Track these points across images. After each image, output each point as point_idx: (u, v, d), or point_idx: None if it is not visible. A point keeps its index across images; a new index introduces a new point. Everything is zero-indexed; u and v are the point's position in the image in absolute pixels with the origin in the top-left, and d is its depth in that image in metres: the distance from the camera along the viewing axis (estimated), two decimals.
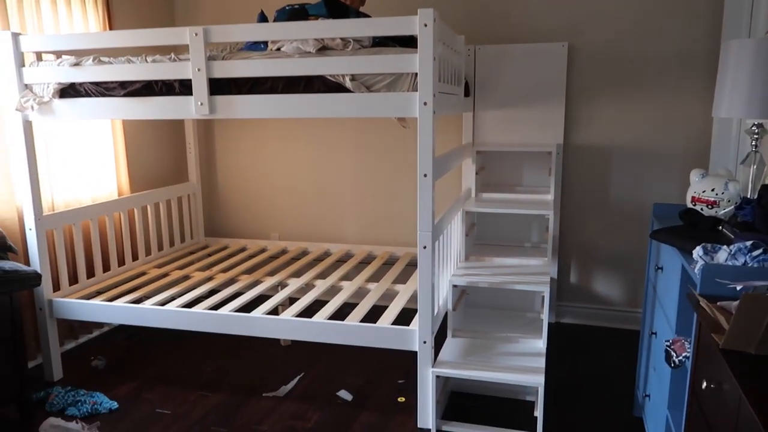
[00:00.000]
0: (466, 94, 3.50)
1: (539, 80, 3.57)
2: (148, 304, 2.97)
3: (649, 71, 3.48)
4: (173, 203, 4.07)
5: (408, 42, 2.64)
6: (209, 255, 4.04)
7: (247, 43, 2.86)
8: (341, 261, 3.96)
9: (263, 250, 4.14)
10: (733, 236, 1.86)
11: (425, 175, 2.42)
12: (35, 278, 2.55)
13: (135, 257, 3.79)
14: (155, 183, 4.13)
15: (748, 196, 2.18)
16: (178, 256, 3.97)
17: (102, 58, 2.74)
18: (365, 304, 2.94)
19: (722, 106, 2.11)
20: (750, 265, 1.60)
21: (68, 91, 2.80)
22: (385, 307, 2.89)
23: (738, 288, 1.44)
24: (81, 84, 2.77)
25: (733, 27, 3.17)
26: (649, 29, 3.44)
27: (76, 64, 2.74)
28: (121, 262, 3.69)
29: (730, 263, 1.63)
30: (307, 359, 3.33)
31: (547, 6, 3.57)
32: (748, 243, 1.63)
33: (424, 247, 2.49)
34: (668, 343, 1.87)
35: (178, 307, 2.93)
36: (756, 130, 2.16)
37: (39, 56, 2.96)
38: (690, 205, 2.29)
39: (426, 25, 2.31)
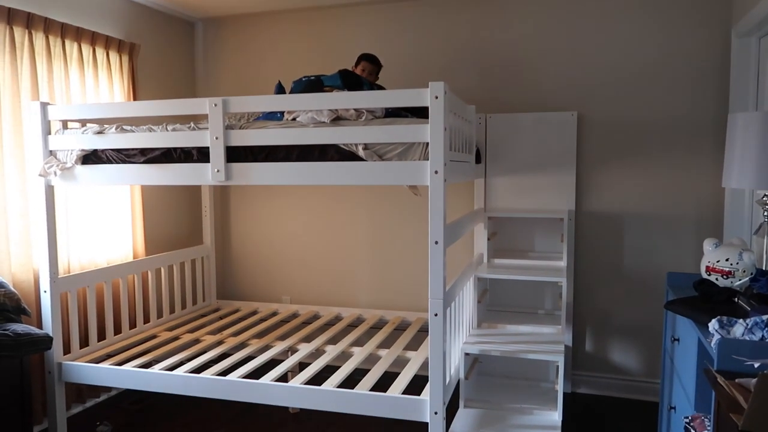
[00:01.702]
0: (478, 160, 3.56)
1: (550, 148, 3.63)
2: (156, 369, 2.95)
3: (658, 139, 3.52)
4: (187, 266, 4.11)
5: (421, 110, 2.71)
6: (221, 318, 4.03)
7: (264, 111, 2.96)
8: (352, 326, 3.92)
9: (274, 314, 4.12)
10: (749, 308, 1.83)
11: (436, 243, 2.43)
12: (47, 342, 2.55)
13: (147, 320, 3.79)
14: (170, 245, 4.18)
15: (763, 267, 2.16)
16: (189, 319, 3.97)
17: (124, 126, 2.84)
18: (376, 372, 2.89)
19: (732, 177, 2.12)
20: (767, 340, 1.56)
21: (90, 157, 2.89)
22: (397, 374, 2.84)
23: (756, 365, 1.40)
24: (103, 151, 2.86)
25: (740, 98, 3.23)
26: (656, 99, 3.51)
27: (100, 132, 2.85)
28: (133, 324, 3.69)
29: (746, 338, 1.60)
30: (315, 427, 3.24)
31: (557, 76, 3.67)
32: (765, 317, 1.60)
33: (436, 315, 2.47)
34: (688, 420, 1.81)
35: (186, 372, 2.91)
36: (767, 201, 2.16)
37: (65, 124, 3.08)
38: (705, 275, 2.27)
39: (437, 98, 2.38)
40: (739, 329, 1.63)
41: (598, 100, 3.61)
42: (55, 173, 2.91)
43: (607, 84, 3.59)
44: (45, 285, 3.00)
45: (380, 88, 3.21)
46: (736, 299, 2.00)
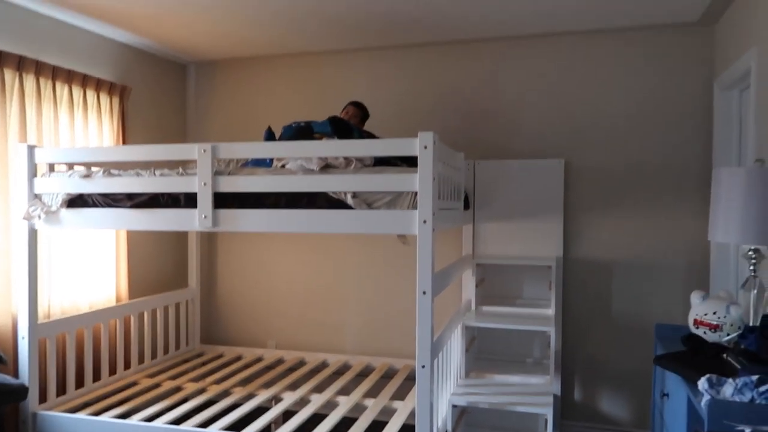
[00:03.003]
0: (466, 207, 3.57)
1: (537, 194, 3.65)
2: (135, 420, 2.86)
3: (644, 188, 3.56)
4: (171, 309, 4.03)
5: (411, 156, 2.71)
6: (204, 364, 3.94)
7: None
8: (339, 372, 3.85)
9: (259, 359, 4.04)
10: (739, 366, 1.82)
11: (424, 293, 2.41)
12: (22, 392, 2.47)
13: (127, 365, 3.69)
14: (155, 288, 4.11)
15: (750, 322, 2.16)
16: (171, 365, 3.87)
17: (112, 170, 2.83)
18: (362, 422, 2.82)
19: (718, 231, 2.14)
20: (758, 401, 1.55)
21: (76, 201, 2.86)
22: (384, 423, 2.77)
23: (747, 431, 1.38)
24: (89, 194, 2.84)
25: (723, 150, 3.28)
26: (642, 148, 3.56)
27: (87, 176, 2.83)
28: (113, 370, 3.59)
29: (736, 398, 1.58)
30: None
31: (544, 123, 3.73)
32: (755, 377, 1.59)
33: (423, 367, 2.43)
34: None
35: (166, 423, 2.82)
36: (753, 255, 2.17)
37: (51, 166, 3.06)
38: (693, 328, 2.26)
39: (426, 147, 2.40)
40: (728, 389, 1.61)
41: (584, 148, 3.66)
42: (39, 217, 2.87)
43: (594, 132, 3.64)
44: (23, 331, 2.92)
45: (370, 135, 3.24)
46: (725, 356, 1.98)
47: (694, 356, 2.05)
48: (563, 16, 3.35)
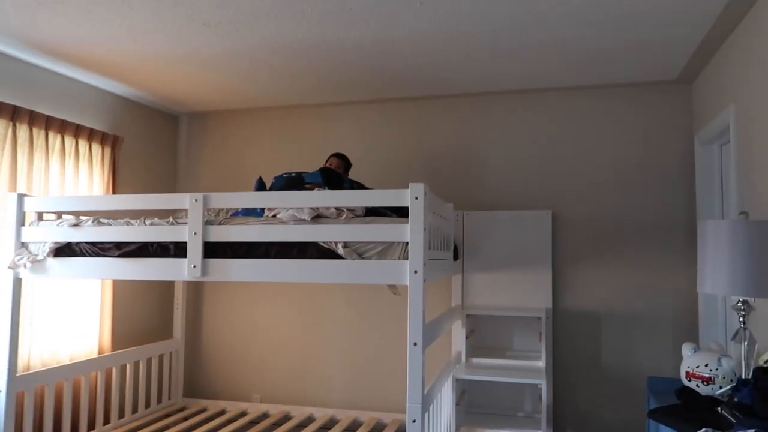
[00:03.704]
0: (455, 257, 3.58)
1: (526, 245, 3.67)
2: None
3: (631, 239, 3.61)
4: (154, 361, 3.93)
5: (401, 207, 2.73)
6: (186, 418, 3.82)
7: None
8: (325, 428, 3.74)
9: (243, 414, 3.93)
10: (734, 420, 1.80)
11: (415, 344, 2.38)
12: None
13: (107, 420, 3.57)
14: (139, 338, 4.02)
15: (742, 375, 2.15)
16: (152, 419, 3.74)
17: (101, 219, 2.81)
18: None
19: (707, 283, 2.16)
20: None
21: (63, 249, 2.83)
22: None
23: None
24: (77, 243, 2.81)
25: (707, 202, 3.35)
26: (628, 200, 3.62)
27: (75, 225, 2.80)
28: (92, 425, 3.46)
29: None
30: None
31: (532, 176, 3.79)
32: (751, 431, 1.57)
33: (414, 421, 2.37)
34: None
35: None
36: (742, 307, 2.19)
37: (40, 215, 3.04)
38: (685, 380, 2.25)
39: (417, 198, 2.42)
40: None
41: (572, 200, 3.72)
42: (25, 266, 2.82)
43: (580, 185, 3.71)
44: (1, 384, 2.82)
45: (360, 185, 3.27)
46: (719, 409, 1.97)
47: (689, 409, 2.04)
48: (547, 75, 3.47)
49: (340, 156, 3.57)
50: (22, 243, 2.88)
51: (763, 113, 2.41)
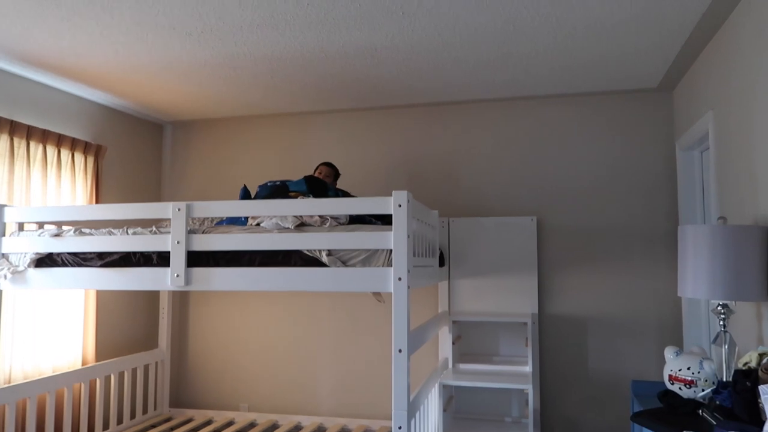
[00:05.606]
0: (441, 264, 3.59)
1: (511, 251, 3.69)
2: None
3: (615, 245, 3.64)
4: (139, 371, 3.90)
5: (385, 215, 2.74)
6: (172, 429, 3.78)
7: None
8: None
9: (230, 423, 3.90)
10: (714, 422, 1.82)
11: (400, 351, 2.38)
12: None
13: (91, 431, 3.52)
14: (123, 349, 3.98)
15: (723, 377, 2.18)
16: (138, 431, 3.71)
17: (83, 229, 2.79)
18: None
19: (687, 287, 2.18)
20: None
21: (45, 260, 2.80)
22: None
23: None
24: (59, 254, 2.78)
25: (688, 208, 3.39)
26: (612, 206, 3.66)
27: (57, 235, 2.78)
28: None
29: None
30: None
31: (516, 183, 3.82)
32: None
33: (400, 428, 2.37)
34: None
35: None
36: (722, 311, 2.22)
37: (21, 226, 3.01)
38: (668, 384, 2.27)
39: (400, 206, 2.42)
40: None
41: (556, 207, 3.74)
42: (5, 277, 2.79)
43: (564, 191, 3.74)
44: None
45: (345, 193, 3.27)
46: (701, 412, 1.99)
47: (671, 413, 2.06)
48: (529, 83, 3.50)
49: (329, 165, 3.57)
50: (3, 254, 2.85)
51: (741, 120, 2.45)
